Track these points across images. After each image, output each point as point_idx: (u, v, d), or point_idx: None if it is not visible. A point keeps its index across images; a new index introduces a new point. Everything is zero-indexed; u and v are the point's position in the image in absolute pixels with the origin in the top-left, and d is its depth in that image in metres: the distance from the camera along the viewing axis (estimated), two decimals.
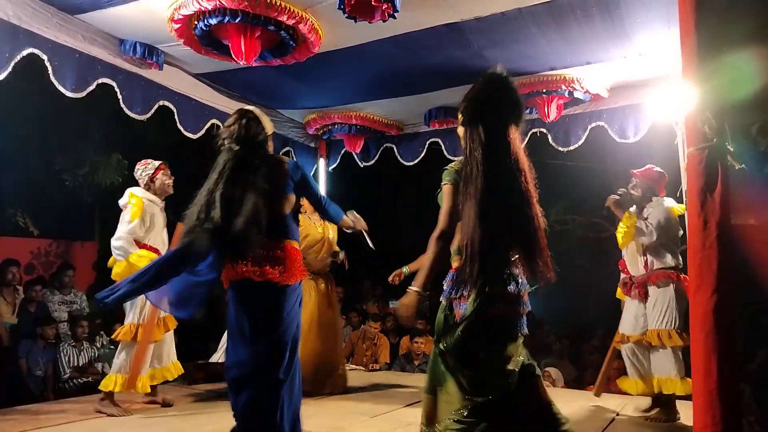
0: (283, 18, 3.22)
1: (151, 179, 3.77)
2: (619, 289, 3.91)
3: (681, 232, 3.59)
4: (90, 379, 5.20)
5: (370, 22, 3.14)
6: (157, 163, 3.82)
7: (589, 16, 3.44)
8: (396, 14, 3.07)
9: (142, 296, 3.28)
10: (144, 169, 3.80)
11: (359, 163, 5.92)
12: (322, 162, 6.04)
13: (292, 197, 2.66)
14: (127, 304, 3.56)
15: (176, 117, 4.36)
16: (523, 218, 1.98)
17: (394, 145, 5.71)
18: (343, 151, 5.92)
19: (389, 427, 3.36)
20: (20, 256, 6.60)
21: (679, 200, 3.69)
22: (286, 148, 5.62)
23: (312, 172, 5.98)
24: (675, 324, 3.45)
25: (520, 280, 2.02)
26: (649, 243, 3.54)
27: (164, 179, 3.81)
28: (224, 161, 2.54)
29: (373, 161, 5.87)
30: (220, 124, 4.74)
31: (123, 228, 3.56)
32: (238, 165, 2.52)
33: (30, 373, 5.09)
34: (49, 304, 5.81)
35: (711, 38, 1.80)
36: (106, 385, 3.50)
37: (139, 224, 3.58)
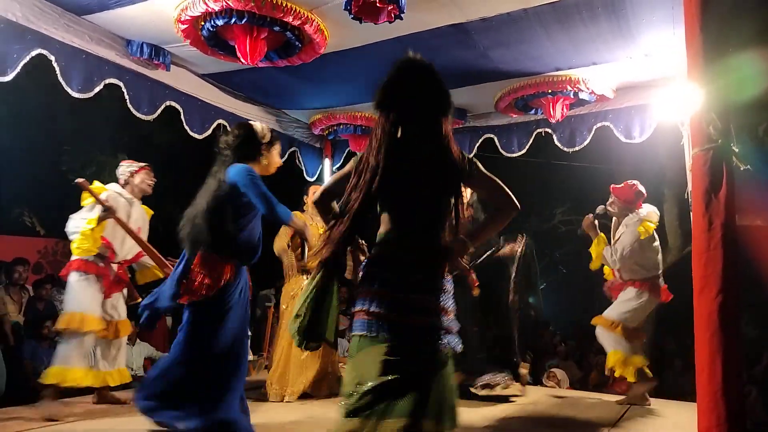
0: (289, 19, 3.23)
1: (132, 175, 3.84)
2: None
3: (655, 243, 3.96)
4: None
5: (375, 23, 3.15)
6: (141, 164, 3.91)
7: (594, 16, 3.43)
8: (402, 15, 3.08)
9: (81, 288, 3.57)
10: (127, 166, 3.88)
11: None
12: (327, 162, 6.05)
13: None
14: (67, 294, 3.64)
15: (182, 117, 4.37)
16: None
17: None
18: (348, 151, 5.93)
19: None
20: (28, 256, 6.65)
21: (686, 202, 3.68)
22: (292, 149, 5.63)
23: (317, 172, 5.99)
24: (623, 319, 3.89)
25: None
26: (614, 267, 3.98)
27: (145, 178, 3.88)
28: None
29: None
30: (226, 124, 4.77)
31: (73, 216, 3.64)
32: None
33: (35, 372, 5.11)
34: (56, 302, 5.85)
35: (716, 39, 1.80)
36: (44, 378, 3.47)
37: (91, 209, 3.59)
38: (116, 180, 3.90)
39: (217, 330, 2.72)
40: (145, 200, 4.03)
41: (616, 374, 4.01)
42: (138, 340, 5.89)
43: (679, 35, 3.29)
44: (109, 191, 3.70)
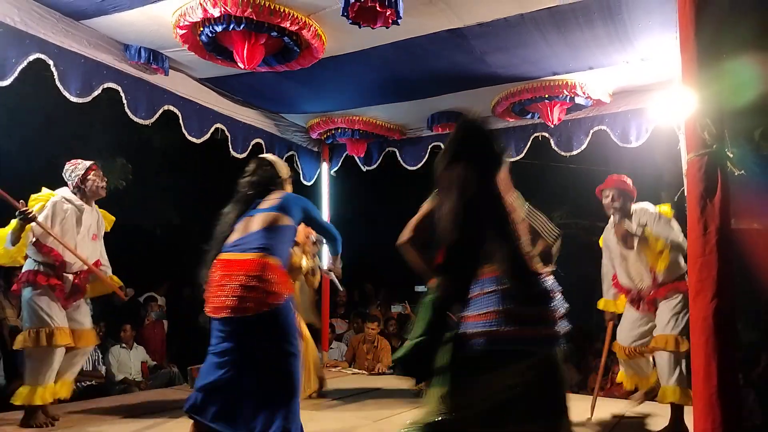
0: (287, 24, 3.25)
1: (82, 180, 3.53)
2: (605, 301, 3.86)
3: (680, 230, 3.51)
4: (94, 382, 5.22)
5: (373, 28, 3.16)
6: (87, 163, 3.58)
7: (591, 21, 3.45)
8: (399, 20, 3.09)
9: (38, 301, 3.33)
10: (73, 169, 3.54)
11: (362, 167, 5.94)
12: (324, 166, 6.07)
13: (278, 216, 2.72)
14: (25, 311, 3.38)
15: (181, 121, 4.38)
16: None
17: (396, 150, 5.73)
18: (345, 156, 5.94)
19: (392, 430, 3.37)
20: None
21: (682, 207, 3.68)
22: (290, 153, 5.65)
23: (315, 177, 6.00)
24: (678, 330, 3.35)
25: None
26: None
27: (96, 181, 3.57)
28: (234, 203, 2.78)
29: (375, 166, 5.89)
30: (224, 128, 4.78)
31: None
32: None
33: None
34: None
35: (711, 44, 1.81)
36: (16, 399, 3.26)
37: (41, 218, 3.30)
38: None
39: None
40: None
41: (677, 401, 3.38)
42: (135, 345, 5.88)
43: (675, 39, 3.31)
44: (56, 197, 3.43)
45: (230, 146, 4.89)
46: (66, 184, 3.59)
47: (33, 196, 3.43)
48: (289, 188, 2.97)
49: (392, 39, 3.67)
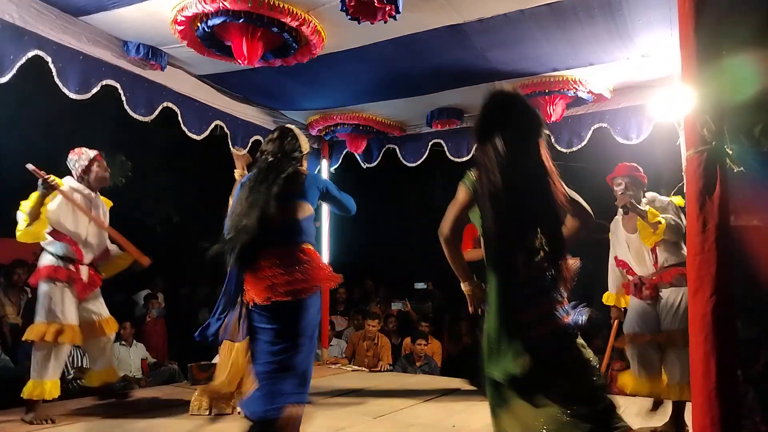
0: (286, 19, 3.24)
1: (85, 170, 3.58)
2: (609, 295, 3.76)
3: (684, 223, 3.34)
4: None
5: (372, 23, 3.15)
6: (92, 153, 3.62)
7: (591, 17, 3.44)
8: (398, 15, 3.08)
9: (54, 296, 3.36)
10: (78, 159, 3.59)
11: (362, 164, 5.93)
12: (324, 163, 6.07)
13: (305, 205, 2.69)
14: (38, 304, 3.40)
15: (180, 118, 4.38)
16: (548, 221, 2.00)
17: (396, 146, 5.72)
18: (345, 152, 5.93)
19: (391, 427, 3.38)
20: (24, 257, 6.63)
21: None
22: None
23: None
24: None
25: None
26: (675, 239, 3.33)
27: (99, 171, 3.61)
28: (255, 173, 2.69)
29: (375, 162, 5.88)
30: (223, 125, 4.77)
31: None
32: (263, 176, 2.63)
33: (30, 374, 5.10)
34: None
35: (710, 41, 1.80)
36: (25, 392, 3.30)
37: (53, 207, 3.38)
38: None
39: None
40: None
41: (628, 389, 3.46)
42: (135, 342, 5.89)
43: (676, 36, 3.29)
44: (64, 187, 3.45)
45: (230, 143, 4.88)
46: (70, 173, 3.63)
47: (35, 170, 3.43)
48: (305, 164, 2.93)
49: (392, 35, 3.66)
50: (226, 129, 4.81)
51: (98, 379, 3.71)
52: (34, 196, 3.31)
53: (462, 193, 2.05)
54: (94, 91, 3.69)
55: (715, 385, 1.65)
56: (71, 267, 3.47)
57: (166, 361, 6.24)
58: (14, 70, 3.23)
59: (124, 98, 3.91)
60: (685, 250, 3.15)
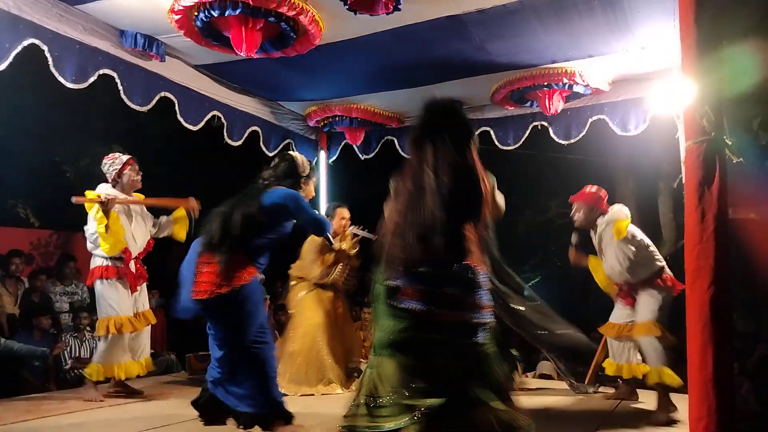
0: (284, 9, 3.21)
1: (119, 175, 3.82)
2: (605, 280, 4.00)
3: (639, 239, 3.68)
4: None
5: (371, 15, 3.13)
6: (125, 157, 3.86)
7: (590, 8, 3.43)
8: (399, 7, 3.07)
9: (108, 293, 3.70)
10: (111, 164, 3.84)
11: (360, 155, 5.92)
12: (322, 154, 6.04)
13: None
14: (98, 301, 3.74)
15: (177, 108, 4.35)
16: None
17: (395, 138, 5.71)
18: (343, 144, 5.91)
19: None
20: (21, 247, 6.63)
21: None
22: (287, 141, 5.62)
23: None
24: (653, 316, 3.57)
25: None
26: (622, 280, 3.71)
27: (132, 174, 3.86)
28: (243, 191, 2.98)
29: (373, 154, 5.87)
30: (220, 115, 4.75)
31: (89, 228, 3.73)
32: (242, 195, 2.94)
33: (27, 364, 5.10)
34: (51, 294, 5.84)
35: (711, 32, 1.80)
36: (89, 373, 3.69)
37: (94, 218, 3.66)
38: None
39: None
40: (143, 191, 4.06)
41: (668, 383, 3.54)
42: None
43: (676, 28, 3.29)
44: (102, 195, 3.68)
45: (226, 134, 4.86)
46: (105, 179, 3.87)
47: (83, 201, 3.66)
48: (310, 188, 3.18)
49: (390, 26, 3.64)
50: (223, 119, 4.79)
51: (142, 369, 3.88)
52: (99, 217, 3.61)
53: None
54: (91, 80, 3.66)
55: (711, 376, 1.66)
56: (120, 265, 3.74)
57: (164, 351, 6.25)
58: (10, 59, 3.20)
59: (121, 88, 3.87)
60: (644, 270, 3.64)
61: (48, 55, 3.39)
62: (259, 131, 5.20)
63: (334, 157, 6.07)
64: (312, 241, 4.42)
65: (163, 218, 4.13)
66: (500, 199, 2.21)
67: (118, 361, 3.68)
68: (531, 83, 4.34)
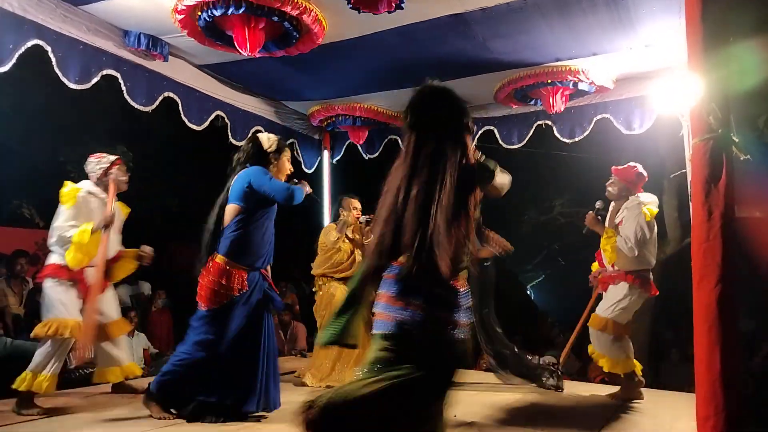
0: (287, 9, 3.21)
1: (105, 174, 3.63)
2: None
3: (654, 233, 3.79)
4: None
5: (375, 14, 3.13)
6: (112, 157, 3.70)
7: (594, 6, 3.41)
8: (403, 5, 3.06)
9: (57, 294, 3.43)
10: (98, 162, 3.66)
11: (363, 155, 5.91)
12: (326, 154, 6.04)
13: (230, 207, 3.14)
14: (42, 302, 3.49)
15: (180, 108, 4.35)
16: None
17: (398, 137, 5.70)
18: (347, 143, 5.91)
19: None
20: (26, 247, 6.65)
21: (685, 193, 3.68)
22: (290, 140, 5.62)
23: (316, 164, 5.97)
24: (611, 314, 3.76)
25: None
26: (633, 255, 3.70)
27: (119, 175, 3.68)
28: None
29: (377, 153, 5.86)
30: (224, 115, 4.76)
31: (55, 222, 3.46)
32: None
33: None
34: None
35: (717, 29, 1.79)
36: (18, 384, 3.29)
37: (71, 212, 3.43)
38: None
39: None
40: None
41: (604, 368, 3.91)
42: (136, 332, 5.91)
43: (680, 25, 3.27)
44: (82, 192, 3.52)
45: (230, 134, 4.86)
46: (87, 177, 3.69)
47: (62, 191, 3.49)
48: (283, 162, 3.24)
49: (393, 24, 3.63)
50: (226, 119, 4.79)
51: (52, 384, 3.42)
52: (87, 231, 3.39)
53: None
54: (95, 80, 3.67)
55: (719, 374, 1.64)
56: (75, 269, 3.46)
57: (169, 351, 6.26)
58: (14, 59, 3.21)
59: (124, 88, 3.88)
60: (637, 262, 3.71)
61: (52, 55, 3.40)
62: (263, 131, 5.20)
63: (338, 157, 6.07)
64: (325, 233, 4.48)
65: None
66: (504, 178, 2.10)
67: (45, 371, 3.31)
68: (535, 81, 4.33)
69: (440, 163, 1.87)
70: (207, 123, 4.59)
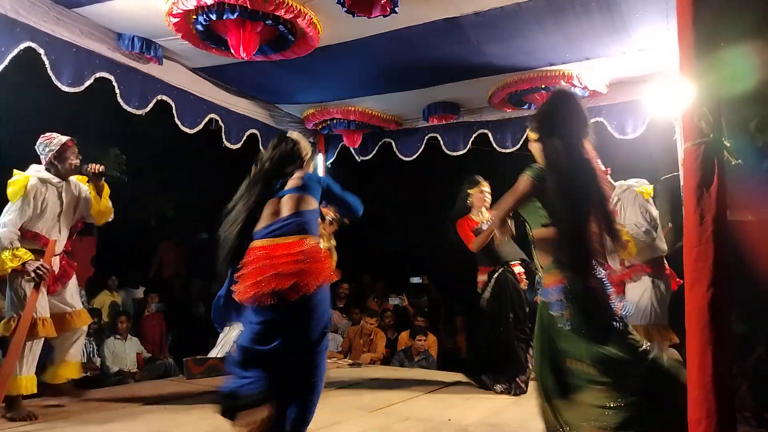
0: (281, 12, 3.21)
1: (56, 157, 3.35)
2: None
3: (656, 213, 3.59)
4: (89, 374, 5.20)
5: (369, 17, 3.13)
6: (64, 138, 3.39)
7: (588, 11, 3.43)
8: (396, 9, 3.07)
9: (23, 289, 3.22)
10: (47, 144, 3.35)
11: (357, 158, 5.92)
12: (320, 157, 6.04)
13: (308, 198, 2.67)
14: (7, 298, 3.29)
15: (174, 111, 4.34)
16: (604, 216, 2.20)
17: (392, 140, 5.71)
18: (341, 146, 5.91)
19: (387, 421, 3.37)
20: None
21: (678, 197, 3.69)
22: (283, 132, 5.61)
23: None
24: (650, 320, 3.47)
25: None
26: (650, 241, 3.48)
27: (71, 158, 3.40)
28: (251, 178, 2.70)
29: (371, 156, 5.87)
30: (218, 118, 4.75)
31: (1, 218, 3.20)
32: (251, 184, 2.67)
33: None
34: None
35: (709, 34, 1.80)
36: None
37: (20, 209, 3.20)
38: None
39: None
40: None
41: None
42: (129, 336, 5.88)
43: (672, 30, 3.29)
44: (32, 179, 3.27)
45: (224, 137, 4.85)
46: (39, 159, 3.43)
47: (9, 181, 3.25)
48: (310, 168, 2.92)
49: (388, 28, 3.64)
50: (220, 122, 4.79)
51: (61, 375, 3.46)
52: (20, 257, 3.14)
53: (526, 184, 2.20)
54: (88, 83, 3.66)
55: (711, 377, 1.65)
56: (39, 259, 3.22)
57: (161, 356, 6.24)
58: (6, 62, 3.19)
59: (118, 91, 3.87)
60: (654, 248, 3.49)
61: (45, 58, 3.39)
62: (257, 134, 5.20)
63: (332, 159, 6.07)
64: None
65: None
66: None
67: (27, 372, 3.17)
68: (529, 86, 4.35)
69: None
70: (201, 126, 4.58)
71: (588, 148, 2.26)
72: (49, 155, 3.37)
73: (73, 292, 3.55)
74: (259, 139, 5.21)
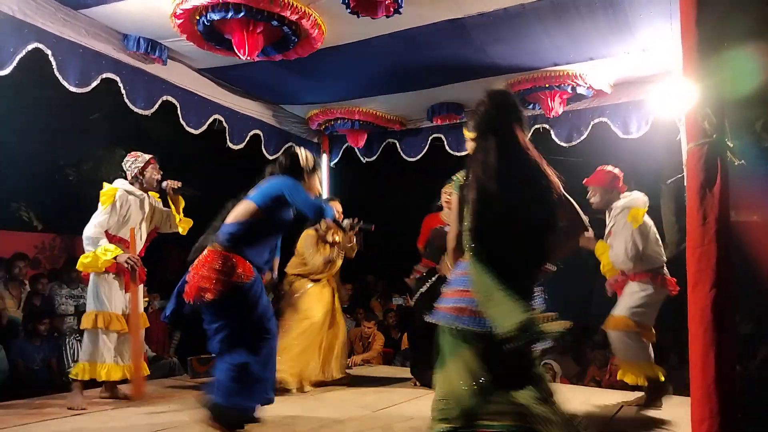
0: (286, 13, 3.23)
1: (141, 172, 3.83)
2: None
3: (652, 231, 3.65)
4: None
5: (373, 18, 3.14)
6: (147, 156, 3.87)
7: (592, 11, 3.43)
8: (401, 10, 3.08)
9: (102, 286, 3.62)
10: (134, 161, 3.85)
11: (361, 158, 5.93)
12: (324, 158, 6.05)
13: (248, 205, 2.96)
14: (89, 294, 3.65)
15: (179, 112, 4.36)
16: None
17: (396, 141, 5.72)
18: (345, 147, 5.92)
19: (390, 421, 3.38)
20: (25, 251, 6.65)
21: (682, 197, 3.67)
22: (288, 144, 5.62)
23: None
24: (627, 312, 3.58)
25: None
26: (627, 268, 3.61)
27: (153, 172, 3.87)
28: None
29: (375, 157, 5.87)
30: (222, 119, 4.77)
31: (93, 219, 3.61)
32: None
33: (26, 367, 5.11)
34: (56, 297, 5.85)
35: (712, 34, 1.80)
36: (75, 373, 3.55)
37: (109, 213, 3.62)
38: (120, 175, 3.88)
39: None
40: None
41: (627, 380, 3.69)
42: None
43: (676, 30, 3.29)
44: (119, 191, 3.69)
45: (228, 137, 4.87)
46: (124, 175, 3.87)
47: (102, 191, 3.68)
48: (314, 181, 3.16)
49: (392, 29, 3.65)
50: (224, 123, 4.80)
51: (107, 373, 3.63)
52: (112, 254, 3.56)
53: (455, 200, 2.16)
54: (94, 84, 3.68)
55: (714, 378, 1.65)
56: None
57: (166, 355, 6.26)
58: (14, 63, 3.22)
59: (123, 91, 3.89)
60: (643, 263, 3.57)
61: (52, 59, 3.41)
62: (261, 135, 5.21)
63: (336, 160, 6.08)
64: (307, 236, 4.46)
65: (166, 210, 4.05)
66: None
67: (103, 360, 3.55)
68: (532, 86, 4.35)
69: None
70: (205, 126, 4.60)
71: (527, 144, 2.18)
72: (135, 171, 3.83)
73: (140, 295, 3.86)
74: (262, 139, 5.22)
